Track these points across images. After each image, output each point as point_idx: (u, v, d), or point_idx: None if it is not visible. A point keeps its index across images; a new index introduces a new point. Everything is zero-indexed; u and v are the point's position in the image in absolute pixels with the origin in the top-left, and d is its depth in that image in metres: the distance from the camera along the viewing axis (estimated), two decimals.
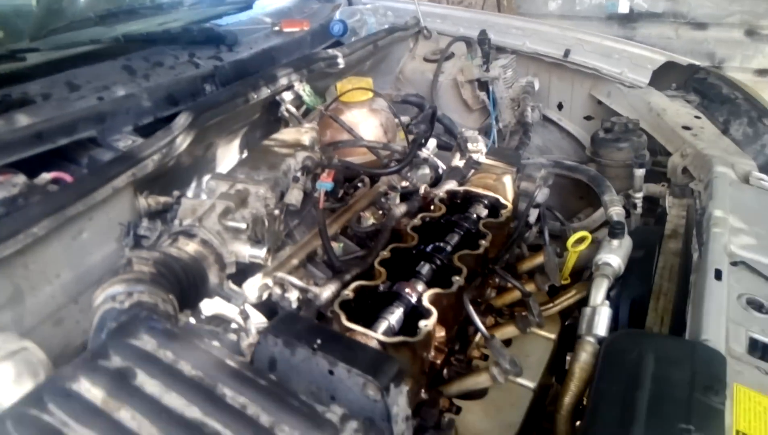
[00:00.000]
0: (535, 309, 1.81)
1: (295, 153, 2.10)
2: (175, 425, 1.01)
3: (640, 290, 2.18)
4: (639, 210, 2.74)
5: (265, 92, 2.33)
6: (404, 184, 2.52)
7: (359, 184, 2.53)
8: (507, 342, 1.95)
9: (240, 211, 1.81)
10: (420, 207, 2.32)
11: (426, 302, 1.67)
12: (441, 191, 2.32)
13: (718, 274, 1.77)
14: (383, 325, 1.63)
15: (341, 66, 2.79)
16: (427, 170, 2.69)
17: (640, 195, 2.69)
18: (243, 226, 1.67)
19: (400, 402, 1.35)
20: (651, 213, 2.84)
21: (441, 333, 1.75)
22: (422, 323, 1.59)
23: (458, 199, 2.34)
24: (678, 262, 2.27)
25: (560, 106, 3.80)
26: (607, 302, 1.86)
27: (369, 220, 2.29)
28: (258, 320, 1.82)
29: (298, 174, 2.01)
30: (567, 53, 3.43)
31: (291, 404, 1.09)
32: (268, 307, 1.92)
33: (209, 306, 1.76)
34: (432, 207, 2.22)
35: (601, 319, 1.83)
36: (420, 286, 1.80)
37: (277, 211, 1.82)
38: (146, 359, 1.13)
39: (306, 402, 1.12)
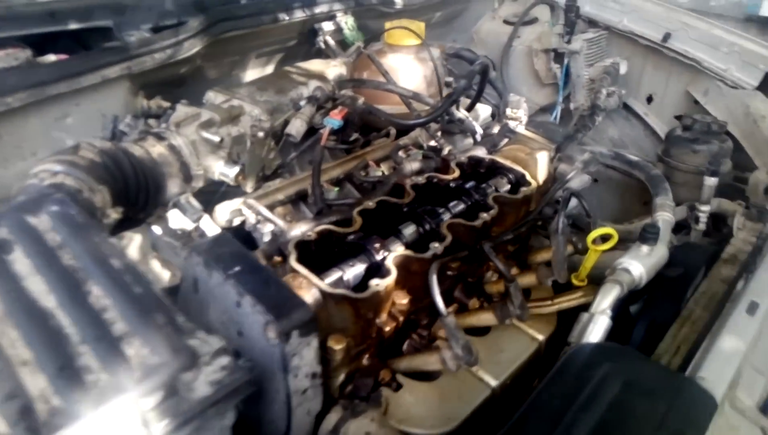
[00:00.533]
0: (517, 298, 1.58)
1: (308, 82, 1.95)
2: (21, 308, 0.92)
3: (665, 312, 1.86)
4: (701, 226, 2.35)
5: (299, 15, 2.19)
6: (432, 143, 2.31)
7: (383, 135, 2.35)
8: (483, 330, 1.73)
9: (226, 127, 1.70)
10: (436, 168, 2.11)
11: (389, 262, 1.49)
12: (464, 155, 2.09)
13: (752, 308, 1.45)
14: (334, 275, 1.48)
15: (398, 5, 2.58)
16: (469, 139, 2.45)
17: (706, 208, 2.30)
18: (216, 139, 1.56)
19: (304, 354, 1.21)
20: (716, 232, 2.43)
21: (403, 300, 1.57)
22: (373, 282, 1.42)
23: (482, 168, 2.11)
24: (723, 290, 1.91)
25: (650, 99, 3.37)
26: (608, 312, 1.59)
27: (377, 171, 2.11)
28: None
29: (302, 102, 1.87)
30: (666, 37, 2.99)
31: (156, 321, 0.97)
32: (242, 235, 1.83)
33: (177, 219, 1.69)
34: (451, 170, 2.00)
35: (595, 329, 1.57)
36: (396, 246, 1.62)
37: (264, 136, 1.69)
38: (30, 237, 1.05)
39: (181, 325, 1.00)
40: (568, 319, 1.84)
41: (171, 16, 2.03)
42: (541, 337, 1.75)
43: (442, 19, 3.25)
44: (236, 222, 1.77)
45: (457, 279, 1.82)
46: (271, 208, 1.88)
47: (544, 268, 1.82)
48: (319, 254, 1.58)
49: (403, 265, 1.55)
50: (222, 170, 1.58)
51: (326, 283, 1.46)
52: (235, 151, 1.65)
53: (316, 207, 1.81)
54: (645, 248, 1.76)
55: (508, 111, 2.10)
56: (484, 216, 1.75)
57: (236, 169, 1.57)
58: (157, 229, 1.65)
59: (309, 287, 1.42)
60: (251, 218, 1.73)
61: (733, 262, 2.07)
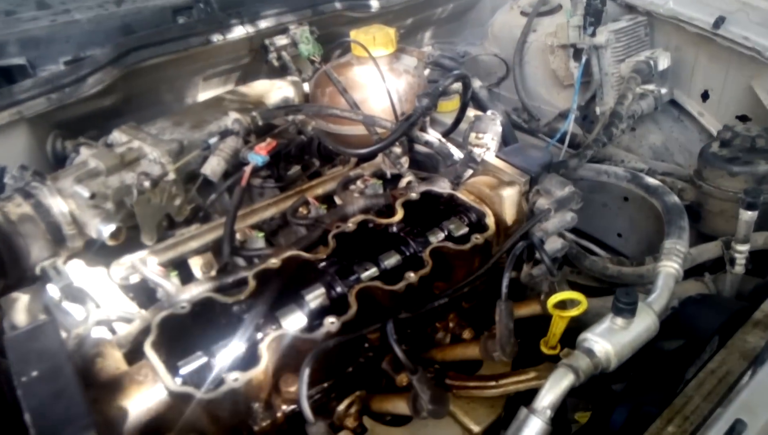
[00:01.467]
0: (424, 393, 1.26)
1: (228, 114, 1.72)
2: None
3: (652, 398, 1.46)
4: (739, 268, 1.86)
5: (240, 33, 1.95)
6: (393, 171, 2.00)
7: (342, 162, 2.08)
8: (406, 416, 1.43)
9: (117, 175, 1.52)
10: (386, 205, 1.81)
11: (263, 346, 1.24)
12: (416, 191, 1.77)
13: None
14: (196, 363, 1.25)
15: (374, 9, 2.27)
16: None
17: (743, 248, 1.81)
18: (85, 193, 1.38)
19: None
20: (760, 273, 1.93)
21: (291, 387, 1.31)
22: (231, 376, 1.18)
23: (441, 205, 1.77)
24: (741, 369, 1.47)
25: (705, 96, 2.79)
26: (547, 413, 1.24)
27: (320, 208, 1.85)
28: (117, 305, 1.56)
29: (212, 140, 1.64)
30: (719, 22, 2.43)
31: None
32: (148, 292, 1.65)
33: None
34: (396, 210, 1.70)
35: (527, 432, 1.23)
36: (290, 319, 1.37)
37: (151, 185, 1.48)
38: None
39: None
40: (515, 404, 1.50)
41: (93, 45, 1.87)
42: (476, 429, 1.42)
43: (453, 12, 2.88)
44: (134, 279, 1.59)
45: (383, 349, 1.52)
46: (180, 259, 1.68)
47: (490, 340, 1.47)
48: (201, 323, 1.36)
49: (287, 346, 1.29)
50: (98, 228, 1.39)
51: (184, 372, 1.24)
52: (117, 204, 1.45)
53: (223, 260, 1.58)
54: (620, 321, 1.37)
55: (472, 136, 1.74)
56: (411, 277, 1.44)
57: (111, 227, 1.38)
58: (52, 289, 1.49)
59: (153, 382, 1.20)
60: (147, 276, 1.54)
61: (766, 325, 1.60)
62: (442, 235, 1.67)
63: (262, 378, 1.24)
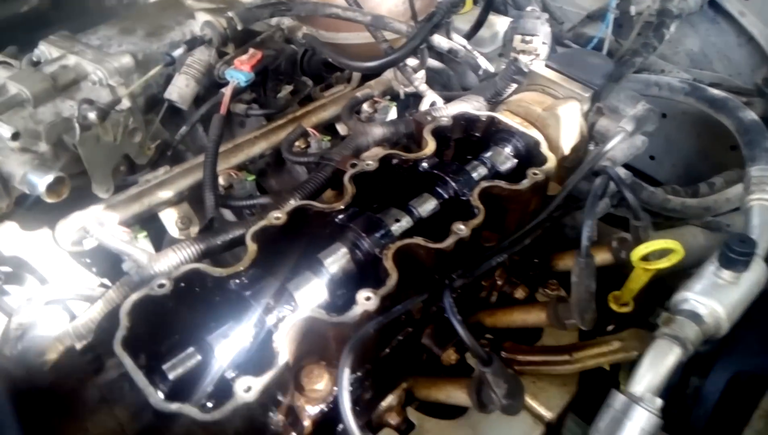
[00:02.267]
0: (500, 387, 0.96)
1: (197, 15, 1.28)
2: None
3: (761, 362, 1.21)
4: None
5: None
6: (408, 89, 1.61)
7: (342, 81, 1.68)
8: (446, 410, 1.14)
9: (50, 105, 1.10)
10: (407, 134, 1.44)
11: (279, 339, 0.90)
12: (447, 114, 1.40)
13: None
14: (183, 366, 0.91)
15: None
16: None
17: None
18: (6, 133, 0.97)
19: None
20: None
21: (318, 384, 0.99)
22: (241, 385, 0.85)
23: (475, 132, 1.42)
24: None
25: None
26: (656, 400, 0.96)
27: (323, 140, 1.47)
28: (70, 279, 1.19)
29: (177, 52, 1.22)
30: None
31: None
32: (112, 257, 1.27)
33: None
34: (423, 140, 1.34)
35: (631, 429, 0.95)
36: (304, 290, 1.03)
37: (98, 117, 1.07)
38: None
39: None
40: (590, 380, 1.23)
41: None
42: (549, 416, 1.15)
43: None
44: (90, 243, 1.21)
45: (428, 319, 1.21)
46: (149, 214, 1.30)
47: (559, 305, 1.18)
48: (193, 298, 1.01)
49: (310, 332, 0.96)
50: (29, 180, 1.00)
51: (173, 376, 0.90)
52: (53, 146, 1.04)
53: (207, 217, 1.21)
54: (727, 275, 1.08)
55: (517, 39, 1.36)
56: (461, 230, 1.10)
57: (48, 177, 0.98)
58: None
59: (130, 397, 0.86)
60: (106, 241, 1.16)
61: None
62: (484, 171, 1.33)
63: (284, 380, 0.91)
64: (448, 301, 0.97)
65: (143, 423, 0.86)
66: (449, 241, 1.10)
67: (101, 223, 1.17)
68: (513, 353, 1.23)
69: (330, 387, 1.06)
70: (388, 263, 1.05)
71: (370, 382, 1.15)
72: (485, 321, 1.33)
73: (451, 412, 1.17)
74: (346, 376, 0.88)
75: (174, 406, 0.83)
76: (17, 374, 0.85)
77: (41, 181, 1.04)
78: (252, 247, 1.07)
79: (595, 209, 1.11)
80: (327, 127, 1.62)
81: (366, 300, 0.99)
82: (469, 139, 1.46)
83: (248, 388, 0.87)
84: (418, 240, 1.10)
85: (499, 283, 1.37)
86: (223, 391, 0.90)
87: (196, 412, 0.83)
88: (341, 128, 1.62)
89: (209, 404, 0.88)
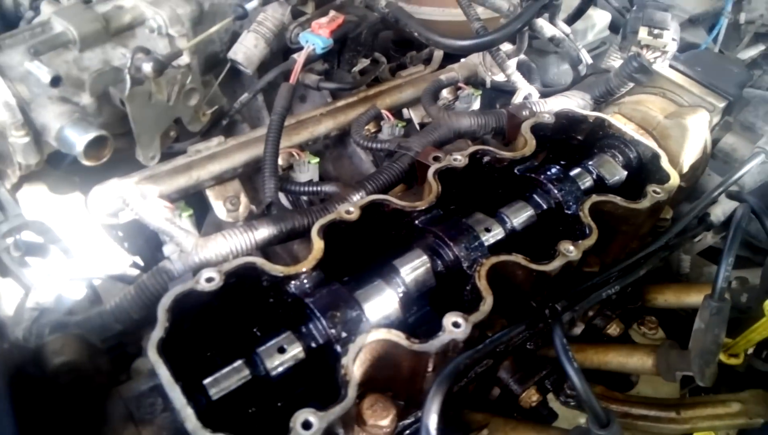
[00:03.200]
0: None
1: None
2: None
3: None
4: None
5: None
6: (498, 77, 1.42)
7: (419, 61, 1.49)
8: None
9: (99, 50, 0.94)
10: (498, 130, 1.25)
11: (348, 364, 0.73)
12: (548, 108, 1.21)
13: None
14: (229, 381, 0.75)
15: None
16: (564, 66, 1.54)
17: None
18: (46, 77, 0.82)
19: None
20: None
21: (383, 421, 0.82)
22: (298, 421, 0.67)
23: (578, 134, 1.22)
24: None
25: None
26: None
27: (397, 126, 1.29)
28: (99, 254, 1.04)
29: (251, 4, 1.05)
30: None
31: None
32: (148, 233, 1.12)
33: None
34: (519, 138, 1.15)
35: None
36: (375, 305, 0.85)
37: (156, 70, 0.90)
38: None
39: None
40: None
41: None
42: None
43: None
44: (126, 216, 1.05)
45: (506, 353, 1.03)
46: (195, 190, 1.14)
47: (673, 352, 0.98)
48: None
49: (381, 356, 0.78)
50: (65, 136, 0.84)
51: (216, 395, 0.73)
52: (109, 96, 0.89)
53: (264, 201, 1.04)
54: None
55: (643, 31, 1.16)
56: (570, 251, 0.91)
57: (88, 135, 0.83)
58: None
59: (163, 417, 0.70)
60: (145, 216, 1.00)
61: None
62: (589, 181, 1.13)
63: (350, 414, 0.74)
64: (560, 340, 0.78)
65: None
66: (555, 264, 0.91)
67: (143, 194, 1.01)
68: (605, 401, 1.04)
69: (395, 424, 0.88)
70: (482, 283, 0.87)
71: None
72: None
73: None
74: (434, 416, 0.70)
75: None
76: (28, 371, 0.69)
77: (80, 139, 0.88)
78: (318, 243, 0.90)
79: (736, 244, 0.91)
80: (397, 114, 1.44)
81: (454, 326, 0.81)
82: (568, 142, 1.26)
83: (308, 425, 0.69)
84: (518, 258, 0.91)
85: (590, 313, 1.18)
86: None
87: None
88: (415, 115, 1.43)
89: None
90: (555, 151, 1.26)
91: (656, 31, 1.18)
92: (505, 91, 1.47)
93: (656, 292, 1.24)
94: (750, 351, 1.11)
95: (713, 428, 0.99)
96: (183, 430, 0.68)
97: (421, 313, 1.02)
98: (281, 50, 1.24)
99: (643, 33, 1.19)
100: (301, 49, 1.17)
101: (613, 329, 1.16)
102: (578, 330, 1.21)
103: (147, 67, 0.92)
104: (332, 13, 1.16)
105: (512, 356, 1.08)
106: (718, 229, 1.17)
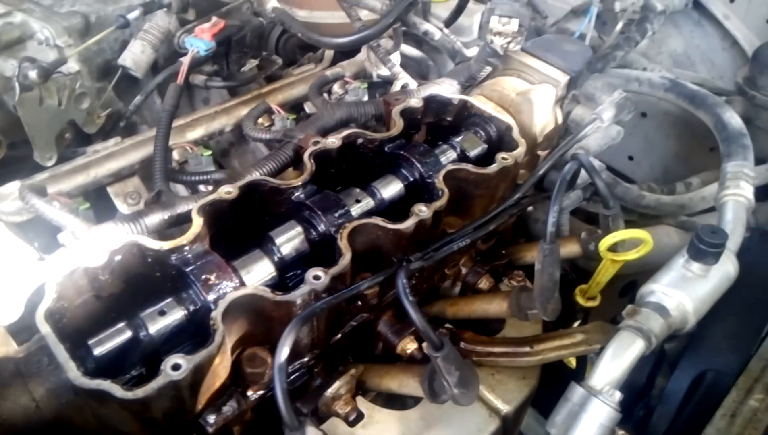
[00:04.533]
0: (452, 376, 0.90)
1: None
2: None
3: (726, 360, 1.17)
4: None
5: None
6: (382, 71, 1.56)
7: (314, 60, 1.62)
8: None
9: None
10: (377, 116, 1.39)
11: (216, 317, 0.84)
12: (417, 96, 1.35)
13: None
14: (111, 342, 0.85)
15: None
16: None
17: None
18: None
19: None
20: None
21: (259, 368, 0.94)
22: (170, 362, 0.78)
23: (446, 116, 1.36)
24: None
25: None
26: (615, 393, 0.92)
27: (288, 119, 1.41)
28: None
29: (132, 15, 1.15)
30: None
31: None
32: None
33: None
34: (391, 121, 1.28)
35: (588, 422, 0.91)
36: (251, 269, 0.97)
37: (39, 78, 1.00)
38: None
39: None
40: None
41: None
42: (506, 409, 1.10)
43: None
44: (25, 215, 1.14)
45: (384, 306, 1.16)
46: (96, 186, 1.23)
47: (522, 294, 1.13)
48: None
49: (253, 311, 0.90)
50: None
51: (99, 353, 0.83)
52: (2, 104, 0.98)
53: (154, 189, 1.14)
54: (696, 267, 1.04)
55: (494, 20, 1.31)
56: (422, 211, 1.05)
57: None
58: None
59: (51, 372, 0.80)
60: (41, 209, 1.09)
61: None
62: (453, 155, 1.28)
63: (218, 361, 0.85)
64: (402, 282, 0.91)
65: (61, 401, 0.80)
66: (409, 223, 1.05)
67: (39, 191, 1.10)
68: (472, 344, 1.18)
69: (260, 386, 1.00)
70: (343, 242, 1.00)
71: (320, 368, 1.10)
72: (447, 312, 1.28)
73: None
74: (285, 353, 0.82)
75: (94, 383, 0.77)
76: None
77: None
78: (198, 220, 1.01)
79: (561, 194, 1.07)
80: (295, 109, 1.56)
81: (315, 279, 0.94)
82: (440, 123, 1.41)
83: (177, 366, 0.80)
84: (376, 220, 1.05)
85: (464, 272, 1.32)
86: (154, 372, 0.84)
87: (117, 389, 0.77)
88: (309, 108, 1.56)
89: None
90: (432, 133, 1.40)
91: (505, 20, 1.34)
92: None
93: (525, 250, 1.40)
94: None
95: (560, 357, 1.14)
96: (66, 381, 0.77)
97: (299, 279, 1.14)
98: (172, 56, 1.35)
99: (493, 22, 1.35)
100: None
101: (484, 284, 1.31)
102: (457, 289, 1.35)
103: (33, 74, 1.02)
104: (214, 19, 1.27)
105: (392, 311, 1.21)
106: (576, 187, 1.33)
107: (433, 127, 1.40)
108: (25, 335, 0.98)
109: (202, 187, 1.31)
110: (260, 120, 1.42)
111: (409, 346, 1.18)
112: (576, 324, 1.39)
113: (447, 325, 1.24)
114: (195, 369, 0.81)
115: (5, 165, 1.30)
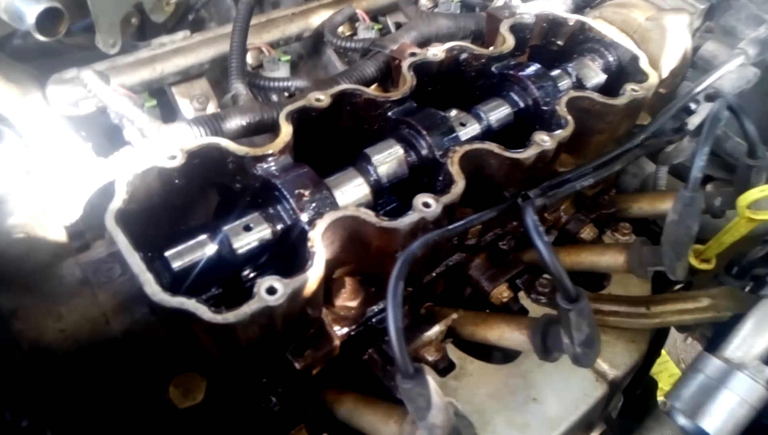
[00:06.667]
0: (580, 332, 0.78)
1: None
2: None
3: None
4: None
5: None
6: None
7: None
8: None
9: None
10: (476, 32, 1.22)
11: (314, 237, 0.72)
12: (526, 8, 1.17)
13: None
14: (191, 255, 0.73)
15: None
16: None
17: None
18: None
19: None
20: None
21: (351, 302, 0.82)
22: (263, 287, 0.66)
23: (558, 39, 1.19)
24: None
25: None
26: (765, 370, 0.79)
27: (373, 28, 1.25)
28: (59, 145, 1.00)
29: None
30: None
31: None
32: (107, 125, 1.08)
33: None
34: (498, 37, 1.12)
35: (725, 401, 0.78)
36: (344, 190, 0.84)
37: None
38: None
39: None
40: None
41: None
42: (613, 374, 0.98)
43: None
44: (87, 107, 1.01)
45: (479, 247, 1.02)
46: (159, 84, 1.10)
47: (645, 248, 0.98)
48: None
49: (350, 236, 0.77)
50: (15, 8, 0.79)
51: (177, 267, 0.72)
52: None
53: (230, 91, 1.01)
54: None
55: None
56: (545, 141, 0.90)
57: (39, 5, 0.78)
58: None
59: (122, 284, 0.69)
60: (107, 100, 0.96)
61: None
62: (568, 83, 1.11)
63: (315, 288, 0.73)
64: (532, 219, 0.77)
65: (134, 316, 0.68)
66: (530, 152, 0.90)
67: (105, 80, 0.96)
68: None
69: (364, 308, 0.88)
70: (454, 168, 0.85)
71: (407, 308, 0.98)
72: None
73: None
74: (400, 289, 0.69)
75: (176, 301, 0.65)
76: None
77: (30, 11, 0.82)
78: (287, 127, 0.87)
79: (713, 134, 0.90)
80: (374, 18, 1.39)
81: (424, 206, 0.80)
82: (547, 47, 1.24)
83: (272, 290, 0.68)
84: (492, 146, 0.90)
85: (564, 217, 1.18)
86: (238, 295, 0.72)
87: (204, 310, 0.65)
88: (392, 22, 1.39)
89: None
90: (535, 59, 1.23)
91: None
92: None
93: (630, 200, 1.25)
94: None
95: (682, 322, 1.01)
96: (140, 294, 0.66)
97: (391, 207, 1.01)
98: None
99: None
100: None
101: (587, 233, 1.17)
102: (552, 237, 1.21)
103: None
104: None
105: (486, 254, 1.08)
106: (694, 134, 1.16)
107: (538, 52, 1.23)
108: (81, 240, 0.87)
109: (274, 98, 1.16)
110: (342, 28, 1.26)
111: (505, 293, 1.05)
112: (676, 289, 1.25)
113: (544, 275, 1.11)
114: (292, 294, 0.69)
115: (61, 54, 1.17)
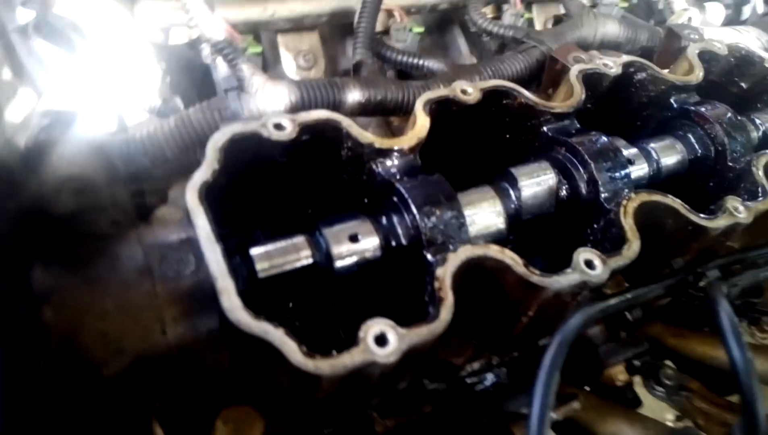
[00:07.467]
0: None
1: None
2: None
3: None
4: None
5: None
6: None
7: None
8: None
9: None
10: (646, 47, 1.01)
11: (443, 275, 0.53)
12: (713, 34, 0.96)
13: None
14: (281, 258, 0.56)
15: None
16: None
17: None
18: None
19: None
20: None
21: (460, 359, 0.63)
22: (371, 334, 0.48)
23: (743, 80, 0.98)
24: None
25: None
26: None
27: (522, 16, 1.05)
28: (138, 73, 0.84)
29: None
30: None
31: None
32: (193, 65, 0.91)
33: None
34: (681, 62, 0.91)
35: None
36: (480, 214, 0.65)
37: None
38: None
39: None
40: None
41: None
42: None
43: None
44: (177, 36, 0.84)
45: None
46: (265, 28, 0.92)
47: None
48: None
49: (472, 272, 0.59)
50: None
51: (263, 270, 0.55)
52: None
53: (354, 58, 0.82)
54: None
55: None
56: (738, 211, 0.70)
57: None
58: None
59: (195, 275, 0.52)
60: (206, 38, 0.79)
61: None
62: (756, 136, 0.89)
63: (433, 344, 0.55)
64: (728, 315, 0.57)
65: (198, 331, 0.51)
66: (720, 222, 0.69)
67: (211, 6, 0.79)
68: (700, 399, 0.85)
69: (465, 364, 0.70)
70: (628, 222, 0.66)
71: (504, 374, 0.79)
72: (666, 339, 0.94)
73: None
74: (553, 386, 0.50)
75: (258, 327, 0.48)
76: (14, 178, 0.50)
77: None
78: (423, 119, 0.68)
79: None
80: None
81: (587, 266, 0.60)
82: (724, 87, 1.01)
83: (383, 340, 0.50)
84: (675, 202, 0.69)
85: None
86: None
87: (293, 349, 0.47)
88: (539, 14, 1.18)
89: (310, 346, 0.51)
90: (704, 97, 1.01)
91: None
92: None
93: None
94: None
95: None
96: (211, 302, 0.49)
97: (513, 245, 0.81)
98: None
99: None
100: None
101: None
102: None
103: None
104: None
105: (604, 324, 0.88)
106: None
107: (710, 91, 1.01)
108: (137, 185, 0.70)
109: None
110: (485, 9, 1.06)
111: (621, 376, 0.86)
112: None
113: (667, 362, 0.91)
114: (408, 351, 0.51)
115: None
